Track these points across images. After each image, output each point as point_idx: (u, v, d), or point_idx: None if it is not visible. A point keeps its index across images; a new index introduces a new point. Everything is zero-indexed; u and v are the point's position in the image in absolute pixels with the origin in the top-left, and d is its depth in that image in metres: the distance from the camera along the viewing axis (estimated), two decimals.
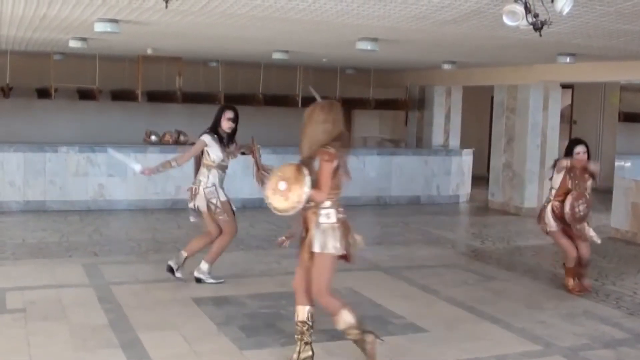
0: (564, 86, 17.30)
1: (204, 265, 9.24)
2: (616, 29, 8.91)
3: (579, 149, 9.35)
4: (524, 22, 5.96)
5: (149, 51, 15.14)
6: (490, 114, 18.92)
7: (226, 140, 9.25)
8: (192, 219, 9.32)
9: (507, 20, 6.05)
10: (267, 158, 15.81)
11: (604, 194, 18.03)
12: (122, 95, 18.70)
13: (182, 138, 15.92)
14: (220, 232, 9.21)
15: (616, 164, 20.11)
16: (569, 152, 9.41)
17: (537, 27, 6.05)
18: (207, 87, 19.11)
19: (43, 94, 17.97)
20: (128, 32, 11.07)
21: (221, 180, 9.17)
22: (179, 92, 17.87)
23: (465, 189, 18.19)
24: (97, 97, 17.89)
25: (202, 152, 9.18)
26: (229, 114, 9.27)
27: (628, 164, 20.02)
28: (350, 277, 9.69)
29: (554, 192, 9.38)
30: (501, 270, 10.61)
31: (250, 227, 13.37)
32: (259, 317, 7.80)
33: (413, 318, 7.93)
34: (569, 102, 22.61)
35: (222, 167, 9.18)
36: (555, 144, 16.42)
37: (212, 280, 9.20)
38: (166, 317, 7.71)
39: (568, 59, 12.46)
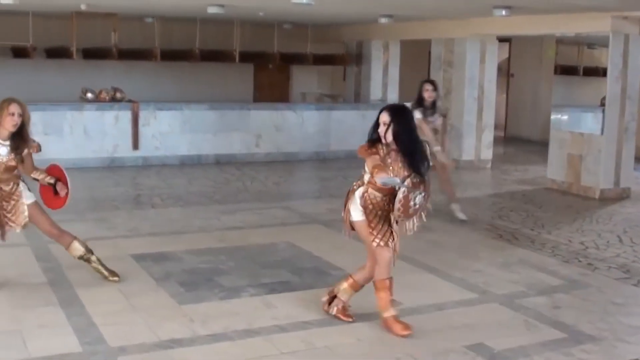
0: (501, 39, 17.40)
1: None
2: None
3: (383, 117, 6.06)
4: None
5: (83, 7, 14.85)
6: (428, 68, 19.01)
7: (429, 111, 10.31)
8: None
9: None
10: (205, 114, 15.86)
11: (540, 146, 18.31)
12: (56, 53, 18.38)
13: (118, 95, 15.72)
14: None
15: (552, 116, 20.42)
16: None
17: None
18: (143, 44, 18.86)
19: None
20: None
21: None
22: (114, 48, 17.59)
23: None
24: (31, 54, 17.57)
25: None
26: (427, 86, 10.32)
27: (564, 116, 20.34)
28: (289, 231, 9.77)
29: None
30: (439, 221, 10.70)
31: (188, 183, 13.33)
32: (198, 272, 7.80)
33: (351, 269, 7.89)
34: (507, 55, 22.80)
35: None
36: (492, 97, 16.55)
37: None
38: None
39: (504, 12, 12.51)
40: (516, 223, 10.70)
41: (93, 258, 7.39)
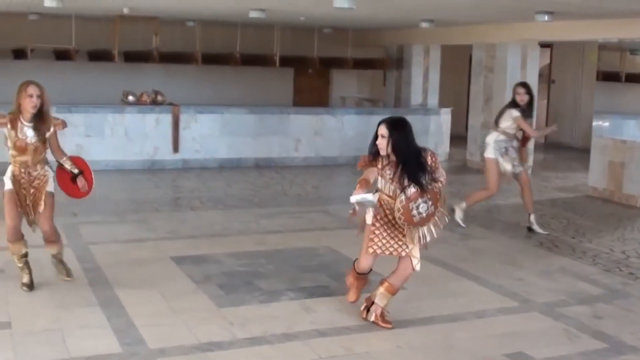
0: (543, 45, 17.28)
1: (462, 204, 10.49)
2: None
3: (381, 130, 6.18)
4: None
5: (125, 10, 14.99)
6: (469, 73, 18.92)
7: (525, 112, 10.13)
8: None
9: None
10: (245, 118, 15.90)
11: (581, 153, 18.14)
12: (99, 56, 18.54)
13: (159, 98, 15.82)
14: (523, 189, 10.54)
15: (594, 123, 20.25)
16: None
17: None
18: (184, 47, 18.99)
19: (19, 54, 17.82)
20: None
21: (499, 142, 10.16)
22: (155, 52, 17.72)
23: (443, 148, 18.20)
24: (73, 57, 17.76)
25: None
26: (519, 89, 10.17)
27: (606, 123, 20.15)
28: (328, 235, 9.76)
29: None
30: (479, 228, 10.65)
31: (228, 187, 13.36)
32: (237, 275, 7.82)
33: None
34: (548, 61, 22.64)
35: (505, 133, 10.17)
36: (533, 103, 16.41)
37: (460, 220, 10.38)
38: (145, 276, 7.72)
39: (546, 17, 12.44)
40: (557, 231, 10.61)
41: (59, 258, 7.50)
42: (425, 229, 6.21)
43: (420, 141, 18.40)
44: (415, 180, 6.02)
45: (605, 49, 21.61)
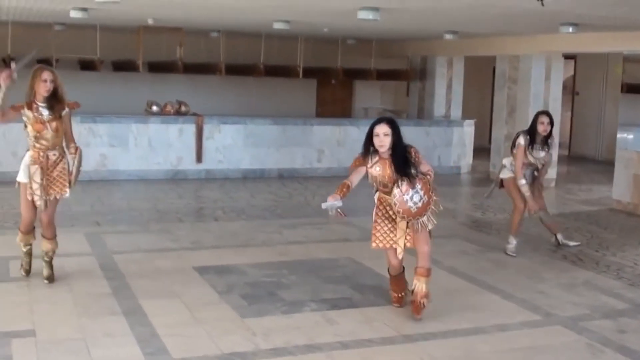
0: (567, 57, 17.22)
1: (510, 239, 9.88)
2: None
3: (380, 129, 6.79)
4: None
5: (150, 21, 15.09)
6: (492, 85, 18.88)
7: (540, 144, 9.66)
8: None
9: None
10: (269, 129, 15.92)
11: (605, 165, 18.05)
12: (123, 66, 18.68)
13: (183, 108, 15.89)
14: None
15: (618, 135, 20.12)
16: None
17: None
18: (208, 58, 19.07)
19: (44, 64, 17.94)
20: (128, 2, 11.04)
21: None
22: (180, 62, 17.83)
23: (466, 160, 18.17)
24: (98, 67, 17.91)
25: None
26: (543, 118, 9.62)
27: (630, 136, 20.03)
28: (350, 247, 9.75)
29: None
30: (502, 241, 10.57)
31: (251, 197, 13.39)
32: (261, 285, 7.83)
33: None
34: (572, 73, 22.55)
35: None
36: (557, 115, 16.36)
37: (511, 253, 9.77)
38: (168, 285, 7.74)
39: (570, 29, 12.40)
40: (580, 244, 10.54)
41: (50, 257, 7.66)
42: (425, 218, 6.64)
43: (443, 153, 18.46)
44: (405, 173, 6.50)
45: (630, 60, 21.47)
